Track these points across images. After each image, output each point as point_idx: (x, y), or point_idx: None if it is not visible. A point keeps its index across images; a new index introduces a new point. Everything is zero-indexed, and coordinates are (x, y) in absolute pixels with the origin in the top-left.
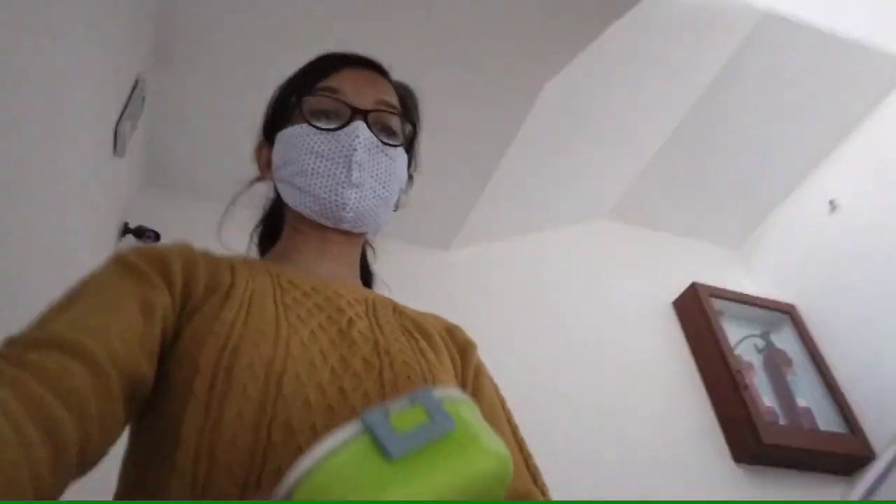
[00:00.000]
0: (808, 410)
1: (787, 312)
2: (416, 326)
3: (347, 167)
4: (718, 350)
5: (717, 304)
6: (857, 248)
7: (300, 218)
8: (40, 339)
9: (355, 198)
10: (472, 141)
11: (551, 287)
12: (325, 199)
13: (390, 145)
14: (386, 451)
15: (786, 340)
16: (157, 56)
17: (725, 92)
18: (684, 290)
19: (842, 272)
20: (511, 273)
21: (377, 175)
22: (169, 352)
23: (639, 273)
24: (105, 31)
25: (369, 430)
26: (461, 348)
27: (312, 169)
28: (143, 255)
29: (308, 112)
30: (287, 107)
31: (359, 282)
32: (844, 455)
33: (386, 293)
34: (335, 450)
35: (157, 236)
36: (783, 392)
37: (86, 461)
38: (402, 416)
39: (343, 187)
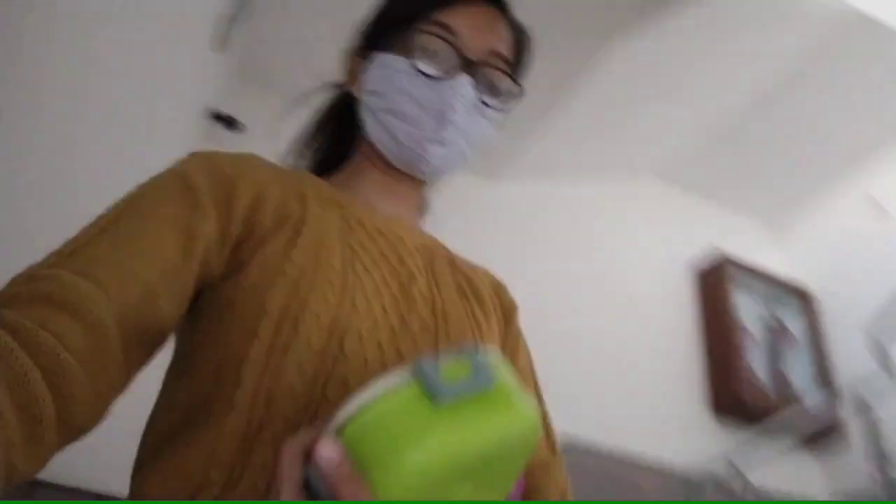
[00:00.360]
0: (796, 387)
1: (802, 296)
2: (470, 286)
3: (441, 123)
4: (726, 316)
5: (737, 274)
6: (889, 254)
7: (375, 151)
8: (43, 292)
9: (439, 155)
10: (540, 75)
11: (586, 234)
12: (408, 147)
13: (491, 107)
14: (434, 396)
15: (795, 321)
16: None
17: (800, 80)
18: (709, 256)
19: (868, 271)
20: (551, 216)
21: (468, 136)
22: (228, 281)
23: (672, 234)
24: None
25: (420, 377)
26: (506, 311)
27: (403, 112)
28: (208, 172)
29: (414, 47)
30: (394, 25)
31: (419, 224)
32: (818, 431)
33: (434, 226)
34: (387, 392)
35: (231, 123)
36: (777, 366)
37: (74, 429)
38: (449, 368)
39: (430, 142)
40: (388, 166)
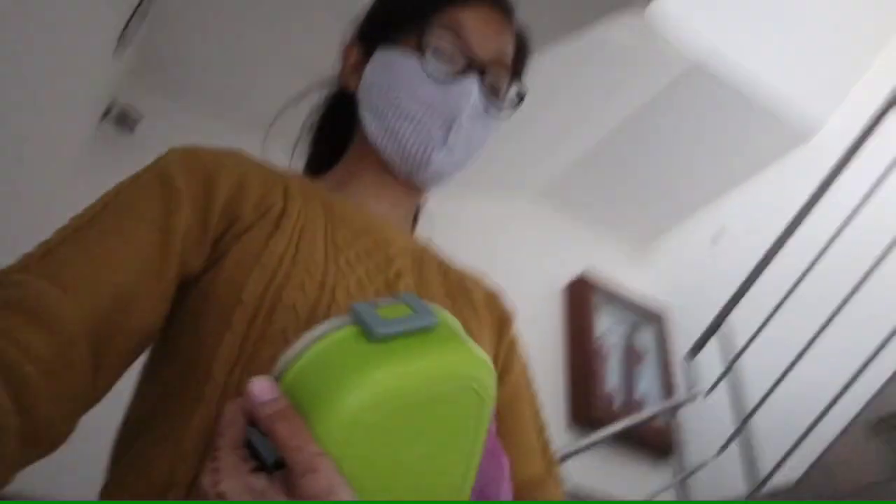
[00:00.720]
0: (642, 399)
1: (656, 316)
2: (461, 290)
3: (447, 127)
4: (585, 334)
5: (600, 294)
6: (729, 276)
7: (371, 152)
8: (8, 300)
9: (441, 160)
10: None
11: (462, 250)
12: (411, 152)
13: (494, 113)
14: (369, 330)
15: (647, 339)
16: None
17: (652, 118)
18: (575, 275)
19: (713, 292)
20: (427, 231)
21: (470, 141)
22: (205, 274)
23: (545, 254)
24: None
25: (356, 317)
26: (500, 319)
27: (409, 114)
28: (187, 167)
29: (423, 45)
30: (401, 20)
31: (410, 230)
32: (659, 442)
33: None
34: (323, 334)
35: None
36: (627, 379)
37: (40, 443)
38: (388, 308)
39: (435, 148)
40: (383, 169)
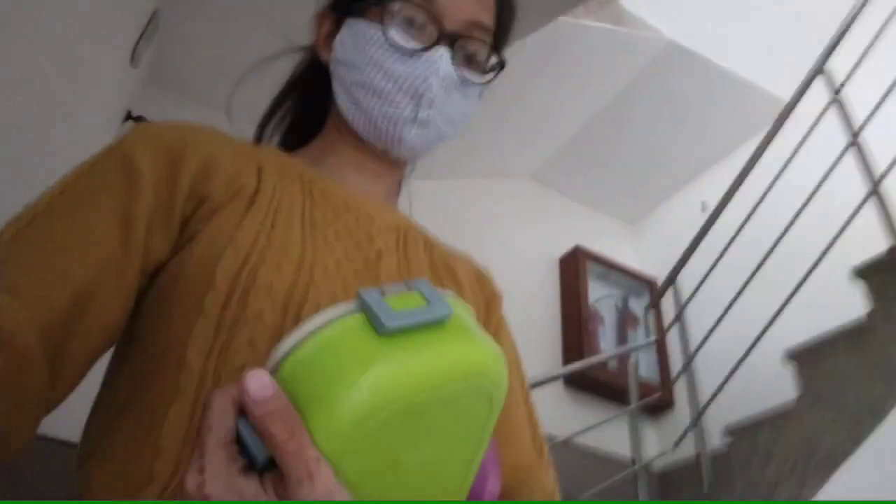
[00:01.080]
0: (636, 360)
1: (649, 284)
2: (447, 269)
3: (417, 101)
4: (578, 301)
5: (594, 266)
6: (716, 245)
7: (348, 126)
8: None
9: (415, 136)
10: None
11: (465, 228)
12: (381, 128)
13: (471, 83)
14: (377, 322)
15: (640, 306)
16: None
17: (633, 99)
18: (569, 250)
19: (701, 261)
20: (431, 213)
21: (446, 114)
22: (174, 257)
23: (541, 230)
24: None
25: (363, 306)
26: (487, 300)
27: (376, 88)
28: (152, 146)
29: (388, 15)
30: None
31: (395, 205)
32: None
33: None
34: (327, 323)
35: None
36: (621, 343)
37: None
38: (398, 297)
39: (406, 123)
40: (359, 141)
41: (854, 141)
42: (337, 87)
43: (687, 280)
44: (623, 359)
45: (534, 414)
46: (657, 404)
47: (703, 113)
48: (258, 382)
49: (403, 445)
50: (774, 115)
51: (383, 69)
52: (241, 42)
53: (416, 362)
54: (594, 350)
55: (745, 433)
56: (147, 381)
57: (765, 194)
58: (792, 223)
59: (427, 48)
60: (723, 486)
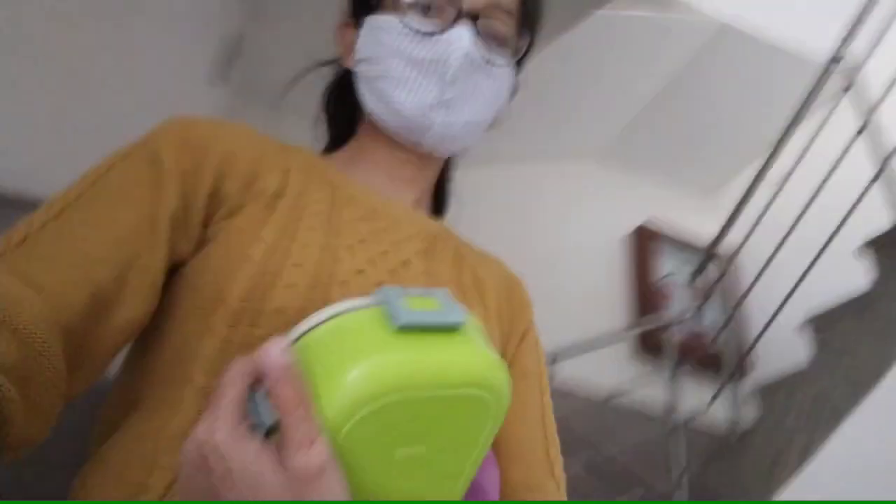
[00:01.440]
0: (706, 330)
1: (717, 256)
2: (474, 280)
3: (440, 83)
4: (649, 274)
5: (664, 239)
6: (785, 220)
7: (376, 126)
8: None
9: (442, 121)
10: None
11: (536, 211)
12: (407, 117)
13: (497, 64)
14: (393, 316)
15: (713, 278)
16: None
17: (692, 77)
18: (637, 226)
19: (773, 234)
20: (501, 198)
21: (473, 96)
22: (193, 258)
23: (609, 209)
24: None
25: (384, 301)
26: (514, 309)
27: (399, 77)
28: (179, 141)
29: (404, 2)
30: None
31: (427, 208)
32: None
33: (453, 217)
34: (347, 309)
35: None
36: (694, 314)
37: (16, 452)
38: (418, 299)
39: (431, 108)
40: (391, 142)
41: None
42: (363, 88)
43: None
44: (693, 324)
45: (551, 429)
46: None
47: (766, 89)
48: (278, 349)
49: (398, 440)
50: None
51: (404, 56)
52: (320, 54)
53: (421, 359)
54: (665, 322)
55: (768, 391)
56: (153, 390)
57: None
58: (811, 202)
59: (446, 28)
60: (747, 437)
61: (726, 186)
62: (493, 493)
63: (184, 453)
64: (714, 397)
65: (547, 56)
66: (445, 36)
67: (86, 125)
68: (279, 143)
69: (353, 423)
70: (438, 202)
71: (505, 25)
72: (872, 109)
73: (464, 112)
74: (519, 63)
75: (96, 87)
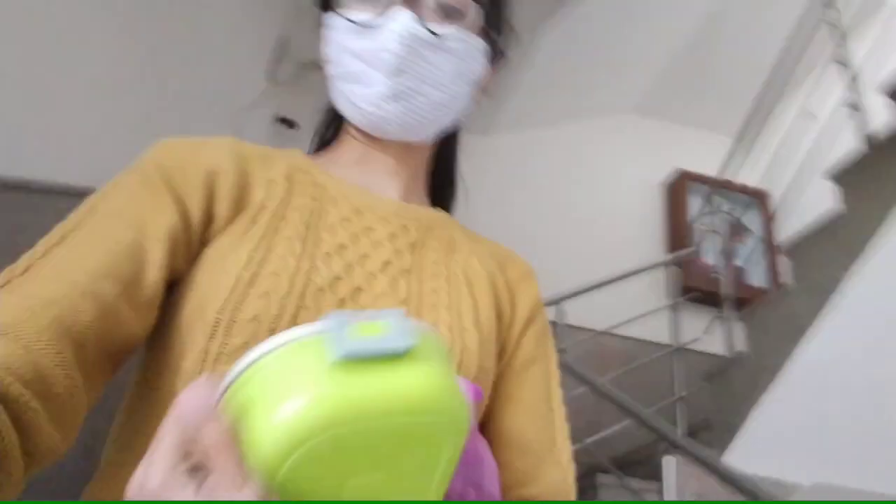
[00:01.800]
0: (742, 269)
1: (759, 197)
2: (467, 273)
3: (387, 72)
4: (683, 222)
5: (700, 183)
6: (822, 156)
7: (350, 124)
8: None
9: (398, 110)
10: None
11: (571, 166)
12: (365, 111)
13: (447, 36)
14: (333, 351)
15: (750, 218)
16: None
17: (718, 24)
18: (672, 173)
19: (811, 171)
20: (543, 159)
21: (431, 76)
22: (185, 275)
23: (646, 159)
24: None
25: (326, 331)
26: (516, 297)
27: (351, 73)
28: (168, 163)
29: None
30: None
31: (419, 197)
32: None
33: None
34: (285, 343)
35: (291, 124)
36: (728, 254)
37: (41, 458)
38: (364, 325)
39: (385, 98)
40: (366, 136)
41: None
42: (332, 88)
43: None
44: (728, 267)
45: (559, 416)
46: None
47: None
48: (196, 393)
49: (349, 470)
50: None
51: (349, 50)
52: None
53: (356, 393)
54: (698, 267)
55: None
56: (143, 407)
57: None
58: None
59: (384, 14)
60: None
61: (761, 127)
62: (494, 489)
63: (127, 496)
64: (707, 328)
65: (578, 17)
66: (381, 21)
67: (151, 123)
68: (265, 150)
69: (292, 462)
70: (443, 189)
71: None
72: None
73: (424, 95)
74: (497, 25)
75: (161, 87)
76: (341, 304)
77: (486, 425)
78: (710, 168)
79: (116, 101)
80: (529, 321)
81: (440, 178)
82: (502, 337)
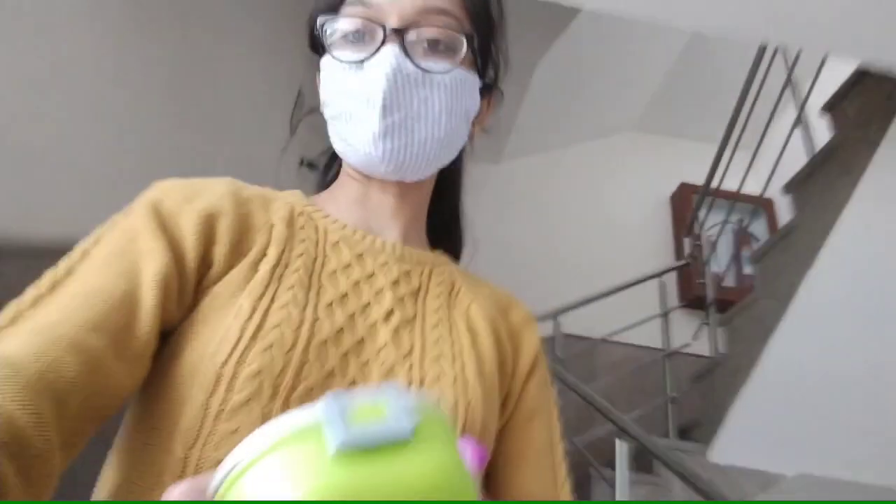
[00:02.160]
0: (750, 276)
1: (764, 206)
2: (469, 323)
3: (377, 110)
4: (692, 229)
5: (705, 195)
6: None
7: (349, 166)
8: None
9: (392, 148)
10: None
11: (580, 186)
12: (361, 151)
13: (437, 72)
14: (331, 441)
15: (756, 226)
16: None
17: (706, 43)
18: (678, 186)
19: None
20: (552, 182)
21: (418, 113)
22: (181, 324)
23: (651, 174)
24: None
25: (324, 417)
26: (518, 345)
27: (345, 114)
28: (161, 204)
29: (333, 39)
30: (318, 22)
31: (419, 237)
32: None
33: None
34: (282, 431)
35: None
36: (737, 261)
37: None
38: (364, 408)
39: (377, 138)
40: (363, 177)
41: None
42: (329, 130)
43: None
44: (739, 276)
45: (560, 468)
46: None
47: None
48: (179, 493)
49: None
50: None
51: (343, 91)
52: None
53: (365, 484)
54: (710, 272)
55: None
56: (139, 460)
57: None
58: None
59: (373, 53)
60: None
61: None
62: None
63: None
64: (695, 333)
65: (572, 48)
66: (373, 61)
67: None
68: (264, 192)
69: None
70: (445, 229)
71: (443, 27)
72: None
73: (418, 132)
74: (490, 59)
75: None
76: (344, 357)
77: (490, 478)
78: (715, 180)
79: (138, 180)
80: (532, 371)
81: (441, 217)
82: (505, 387)
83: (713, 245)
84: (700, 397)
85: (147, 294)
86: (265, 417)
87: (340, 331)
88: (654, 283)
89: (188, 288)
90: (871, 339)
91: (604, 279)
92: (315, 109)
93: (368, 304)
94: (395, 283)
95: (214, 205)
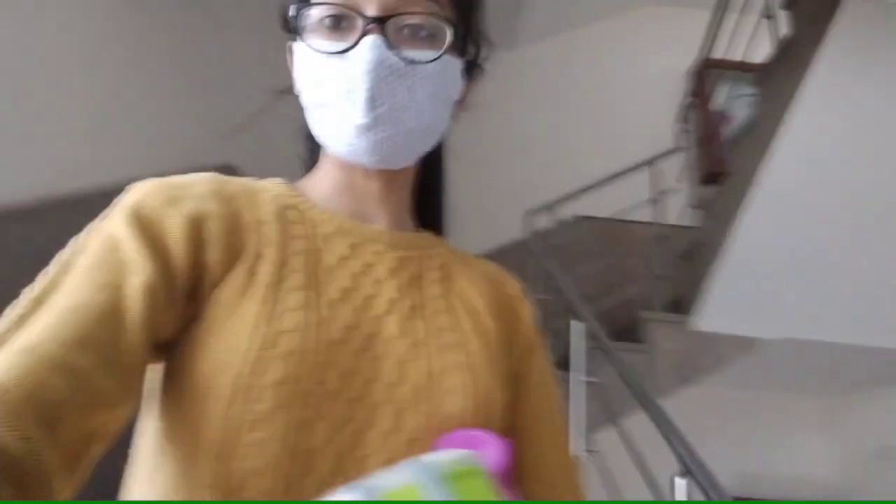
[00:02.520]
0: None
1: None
2: (466, 306)
3: (360, 103)
4: (709, 102)
5: (724, 68)
6: None
7: (330, 152)
8: None
9: (375, 140)
10: None
11: (598, 63)
12: (345, 141)
13: (421, 61)
14: None
15: None
16: None
17: None
18: (697, 59)
19: None
20: (568, 62)
21: (403, 104)
22: (185, 335)
23: (668, 45)
24: None
25: None
26: (515, 323)
27: (322, 102)
28: (142, 208)
29: (311, 26)
30: (292, 5)
31: (407, 221)
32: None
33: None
34: None
35: None
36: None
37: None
38: (396, 493)
39: (361, 130)
40: (347, 165)
41: None
42: (308, 115)
43: None
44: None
45: (564, 437)
46: None
47: None
48: None
49: None
50: None
51: (321, 81)
52: None
53: None
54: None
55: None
56: (170, 481)
57: None
58: None
59: (354, 45)
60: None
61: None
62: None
63: None
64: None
65: None
66: (353, 52)
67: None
68: (248, 185)
69: None
70: (431, 213)
71: (424, 14)
72: None
73: (400, 123)
74: (472, 38)
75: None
76: (356, 355)
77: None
78: (734, 49)
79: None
80: (533, 345)
81: (426, 197)
82: (512, 367)
83: (733, 119)
84: (688, 273)
85: (133, 306)
86: (292, 426)
87: (348, 328)
88: (677, 157)
89: (178, 296)
90: (825, 220)
91: (622, 159)
92: (290, 90)
93: (371, 295)
94: (393, 270)
95: (200, 207)
